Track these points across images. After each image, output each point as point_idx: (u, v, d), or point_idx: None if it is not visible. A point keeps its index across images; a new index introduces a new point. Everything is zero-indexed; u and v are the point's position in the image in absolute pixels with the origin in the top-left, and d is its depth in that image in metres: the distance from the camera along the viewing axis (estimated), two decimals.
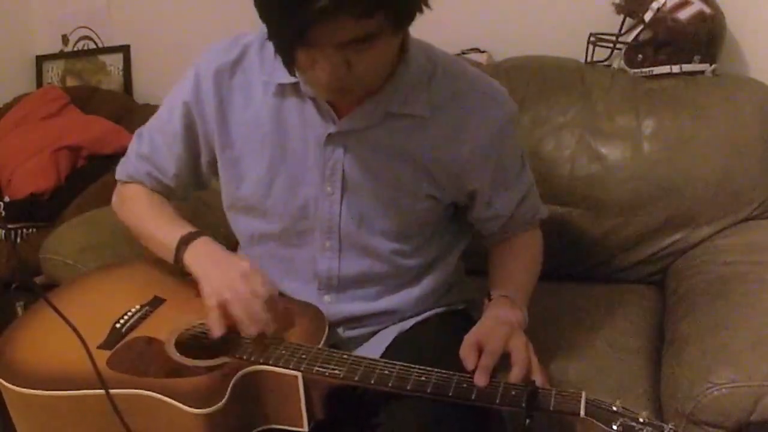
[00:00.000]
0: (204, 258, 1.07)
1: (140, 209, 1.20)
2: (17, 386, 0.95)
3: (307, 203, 1.09)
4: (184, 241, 1.09)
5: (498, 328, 1.00)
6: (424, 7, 0.90)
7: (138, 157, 1.20)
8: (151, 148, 1.18)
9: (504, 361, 0.98)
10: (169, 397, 0.91)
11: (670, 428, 0.81)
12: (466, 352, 0.96)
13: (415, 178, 1.07)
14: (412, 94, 1.03)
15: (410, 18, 0.89)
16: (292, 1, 0.80)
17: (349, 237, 1.10)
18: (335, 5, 0.79)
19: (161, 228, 1.14)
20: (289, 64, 0.92)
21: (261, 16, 0.87)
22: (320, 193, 1.08)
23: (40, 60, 2.61)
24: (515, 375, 0.94)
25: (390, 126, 1.04)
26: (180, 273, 1.10)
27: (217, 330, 0.99)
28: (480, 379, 0.90)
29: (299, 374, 0.94)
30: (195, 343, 1.05)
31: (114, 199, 1.27)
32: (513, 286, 1.12)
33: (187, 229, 1.11)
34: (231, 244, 1.24)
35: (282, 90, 1.06)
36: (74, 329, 0.87)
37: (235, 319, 0.99)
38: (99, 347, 1.01)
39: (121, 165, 1.24)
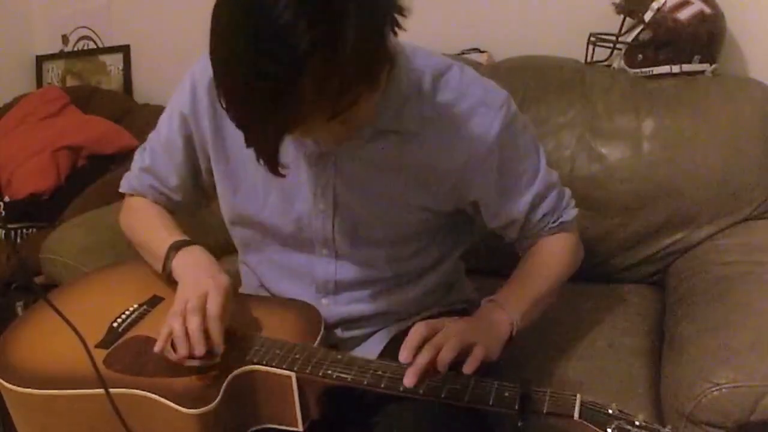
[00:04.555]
0: (187, 268, 1.06)
1: (139, 219, 1.20)
2: (17, 386, 0.95)
3: (301, 218, 1.08)
4: (174, 248, 1.09)
5: (461, 326, 0.96)
6: (413, 15, 0.84)
7: (140, 170, 1.20)
8: (152, 160, 1.18)
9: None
10: (163, 397, 0.91)
11: (667, 431, 0.81)
12: (407, 343, 0.92)
13: (409, 192, 1.05)
14: (402, 108, 1.00)
15: (383, 65, 0.84)
16: (269, 110, 0.77)
17: (345, 248, 1.10)
18: (313, 103, 0.77)
19: (155, 235, 1.15)
20: (274, 166, 0.87)
21: (238, 126, 0.84)
22: (313, 209, 1.07)
23: (40, 60, 2.62)
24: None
25: (380, 142, 1.02)
26: None
27: (157, 345, 0.96)
28: (406, 378, 0.89)
29: (293, 374, 0.94)
30: None
31: (121, 212, 1.27)
32: (508, 289, 1.09)
33: (179, 237, 1.11)
34: (231, 248, 1.25)
35: None
36: (74, 329, 0.87)
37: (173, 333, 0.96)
38: (96, 346, 1.01)
39: (125, 178, 1.24)
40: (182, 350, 0.95)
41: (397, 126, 1.01)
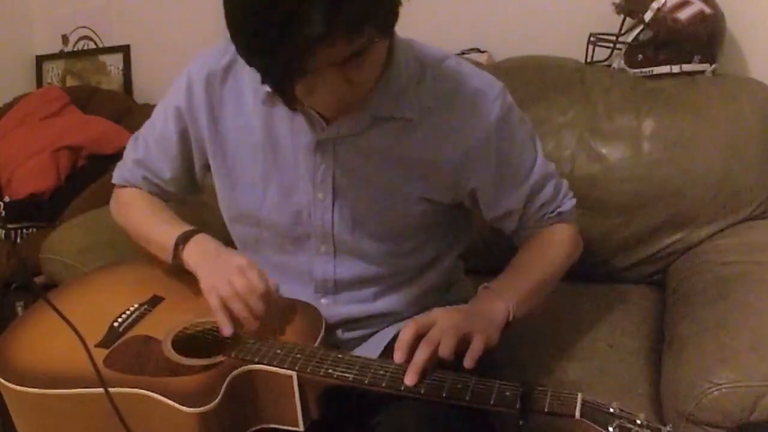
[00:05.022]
0: (201, 254, 1.07)
1: (137, 212, 1.20)
2: (16, 385, 0.95)
3: (301, 210, 1.09)
4: (182, 239, 1.09)
5: (456, 316, 0.97)
6: (413, 15, 0.89)
7: (134, 162, 1.21)
8: (146, 153, 1.19)
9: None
10: (164, 396, 0.91)
11: (668, 430, 0.80)
12: (399, 344, 0.93)
13: (407, 182, 1.06)
14: (401, 97, 1.01)
15: (396, 20, 0.88)
16: (281, 36, 0.78)
17: (344, 241, 1.10)
18: (325, 30, 0.77)
19: (159, 228, 1.15)
20: (290, 100, 0.90)
21: (249, 61, 0.85)
22: (312, 199, 1.07)
23: (40, 60, 2.62)
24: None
25: (379, 130, 1.03)
26: (179, 272, 1.10)
27: (226, 329, 1.00)
28: (407, 377, 0.90)
29: (294, 374, 0.94)
30: (192, 342, 1.05)
31: (111, 203, 1.27)
32: (505, 277, 1.10)
33: (184, 227, 1.12)
34: (230, 246, 1.24)
35: (271, 98, 1.05)
36: (74, 328, 0.87)
37: (235, 314, 0.99)
38: (96, 346, 1.01)
39: (118, 169, 1.25)
40: (253, 325, 0.99)
41: (395, 113, 1.02)
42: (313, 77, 0.85)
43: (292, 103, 0.91)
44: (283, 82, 0.87)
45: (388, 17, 0.86)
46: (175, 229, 1.11)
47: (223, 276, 1.00)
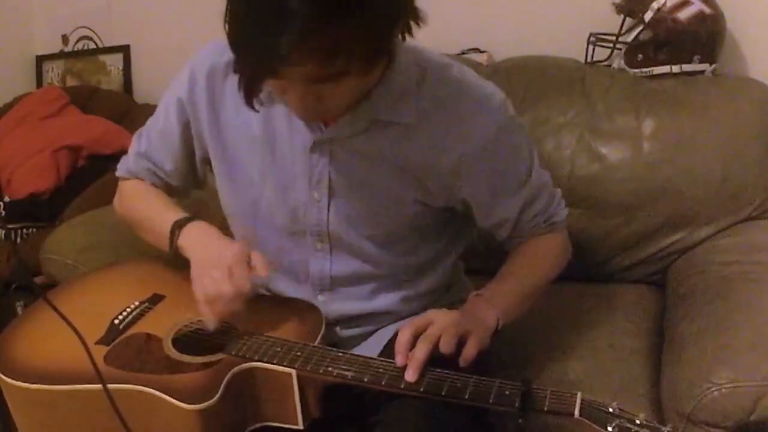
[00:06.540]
0: (196, 242, 1.08)
1: (137, 201, 1.21)
2: (16, 381, 0.96)
3: (297, 208, 1.09)
4: (178, 225, 1.10)
5: (451, 318, 0.98)
6: (421, 16, 0.88)
7: (137, 154, 1.21)
8: (149, 146, 1.19)
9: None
10: (163, 393, 0.91)
11: (668, 430, 0.81)
12: (399, 347, 0.94)
13: (402, 185, 1.06)
14: (399, 101, 1.01)
15: (380, 57, 0.88)
16: (259, 42, 0.80)
17: (339, 240, 1.10)
18: (297, 53, 0.78)
19: (157, 215, 1.15)
20: (249, 98, 0.90)
21: (231, 49, 0.86)
22: (308, 198, 1.08)
23: (40, 60, 2.62)
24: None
25: (376, 133, 1.03)
26: (179, 270, 1.10)
27: (210, 323, 1.00)
28: (408, 374, 0.90)
29: (293, 372, 0.94)
30: (193, 340, 1.05)
31: (115, 196, 1.28)
32: (495, 285, 1.10)
33: (181, 214, 1.12)
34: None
35: (270, 96, 1.05)
36: (73, 328, 0.87)
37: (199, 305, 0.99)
38: (96, 343, 1.02)
39: (121, 163, 1.25)
40: (212, 324, 1.00)
41: (394, 117, 1.02)
42: (285, 82, 0.86)
43: (250, 102, 0.90)
44: (252, 81, 0.87)
45: (368, 56, 0.85)
46: (172, 215, 1.12)
47: (208, 269, 1.00)
